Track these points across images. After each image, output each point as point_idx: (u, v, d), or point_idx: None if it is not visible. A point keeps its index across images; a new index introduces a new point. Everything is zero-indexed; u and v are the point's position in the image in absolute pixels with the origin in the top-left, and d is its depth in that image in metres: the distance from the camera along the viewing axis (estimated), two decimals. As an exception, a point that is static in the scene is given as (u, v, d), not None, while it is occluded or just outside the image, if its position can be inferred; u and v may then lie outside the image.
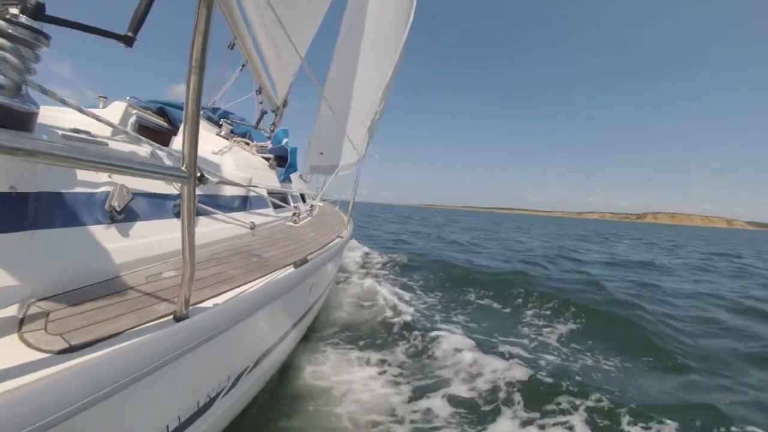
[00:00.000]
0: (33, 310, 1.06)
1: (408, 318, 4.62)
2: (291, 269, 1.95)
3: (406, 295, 6.05)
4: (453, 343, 3.89)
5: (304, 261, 2.11)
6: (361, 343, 3.91)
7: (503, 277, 7.68)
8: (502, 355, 3.73)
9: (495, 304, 6.00)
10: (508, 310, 5.81)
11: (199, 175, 0.97)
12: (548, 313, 5.57)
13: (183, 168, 0.95)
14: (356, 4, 6.37)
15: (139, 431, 1.17)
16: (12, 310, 1.02)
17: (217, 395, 1.64)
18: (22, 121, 1.08)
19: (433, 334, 4.11)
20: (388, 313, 4.84)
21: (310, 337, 3.74)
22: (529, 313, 5.62)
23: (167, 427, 1.30)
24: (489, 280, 7.31)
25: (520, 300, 6.19)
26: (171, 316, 1.14)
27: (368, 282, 6.45)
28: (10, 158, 1.05)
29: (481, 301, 6.14)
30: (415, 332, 4.20)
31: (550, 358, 3.92)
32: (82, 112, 1.48)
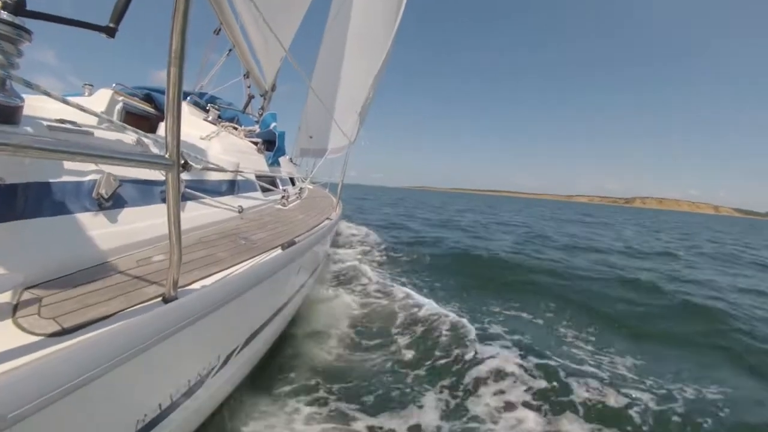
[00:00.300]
0: (26, 296, 1.09)
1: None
2: (278, 251, 2.00)
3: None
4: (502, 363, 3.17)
5: (292, 243, 2.15)
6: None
7: (530, 276, 6.61)
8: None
9: (526, 313, 4.71)
10: (546, 319, 4.58)
11: (183, 162, 1.00)
12: (602, 329, 4.33)
13: (167, 156, 0.97)
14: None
15: (131, 410, 1.21)
16: (6, 297, 1.06)
17: (208, 374, 1.66)
18: (7, 115, 1.11)
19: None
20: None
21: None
22: (580, 323, 4.45)
23: (159, 405, 1.33)
24: (512, 279, 6.33)
25: (553, 305, 5.06)
26: (160, 298, 1.18)
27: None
28: None
29: (508, 312, 4.75)
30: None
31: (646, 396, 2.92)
32: (67, 103, 1.49)
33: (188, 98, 3.91)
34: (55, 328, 0.96)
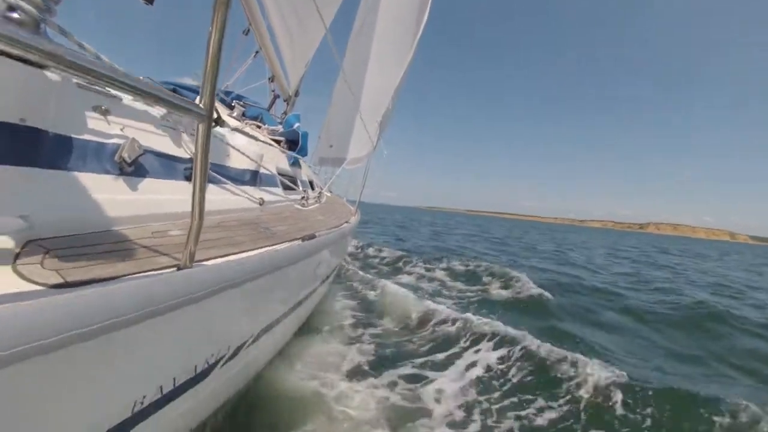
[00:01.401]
0: (31, 247, 1.04)
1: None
2: (298, 242, 1.95)
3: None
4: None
5: (312, 236, 2.11)
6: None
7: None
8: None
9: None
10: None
11: (216, 117, 0.95)
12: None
13: (201, 105, 0.95)
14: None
15: (130, 386, 1.14)
16: (8, 244, 1.00)
17: (216, 363, 1.59)
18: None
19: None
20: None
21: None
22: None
23: (161, 388, 1.26)
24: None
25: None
26: (174, 268, 1.12)
27: None
28: (24, 88, 1.06)
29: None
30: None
31: None
32: (99, 58, 1.39)
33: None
34: (58, 280, 0.90)
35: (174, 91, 3.42)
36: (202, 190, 1.03)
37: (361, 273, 6.90)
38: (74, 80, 1.35)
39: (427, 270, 8.22)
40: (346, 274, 6.92)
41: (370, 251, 10.05)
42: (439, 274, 7.94)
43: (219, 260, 1.34)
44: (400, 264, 8.74)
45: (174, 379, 1.32)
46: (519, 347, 3.71)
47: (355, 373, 3.15)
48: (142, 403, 1.19)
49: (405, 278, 7.39)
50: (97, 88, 1.50)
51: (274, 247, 1.74)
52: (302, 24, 4.22)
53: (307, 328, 3.63)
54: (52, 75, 1.17)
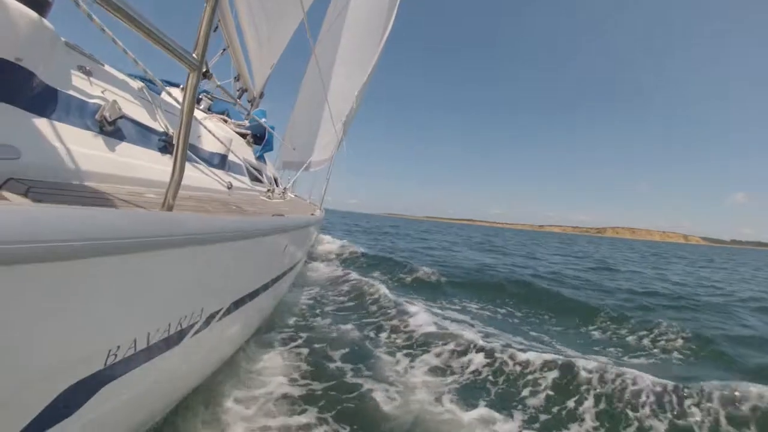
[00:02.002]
0: (12, 183, 1.04)
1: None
2: (269, 216, 2.01)
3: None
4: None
5: (281, 215, 2.19)
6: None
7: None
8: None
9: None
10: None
11: (205, 70, 1.05)
12: None
13: (194, 54, 1.01)
14: (339, 3, 6.60)
15: (105, 328, 1.08)
16: None
17: (189, 329, 1.55)
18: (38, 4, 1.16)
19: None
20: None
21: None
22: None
23: (135, 342, 1.21)
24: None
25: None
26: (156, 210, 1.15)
27: None
28: (25, 30, 1.10)
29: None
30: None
31: None
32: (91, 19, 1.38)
33: (180, 86, 3.96)
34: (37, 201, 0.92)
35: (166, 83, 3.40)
36: (185, 142, 1.07)
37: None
38: (62, 39, 1.41)
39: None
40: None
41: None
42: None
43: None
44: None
45: (148, 335, 1.27)
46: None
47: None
48: (115, 356, 1.14)
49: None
50: (83, 50, 1.56)
51: (246, 217, 1.78)
52: (271, 23, 4.33)
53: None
54: (49, 24, 1.23)
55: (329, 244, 11.71)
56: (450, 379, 3.03)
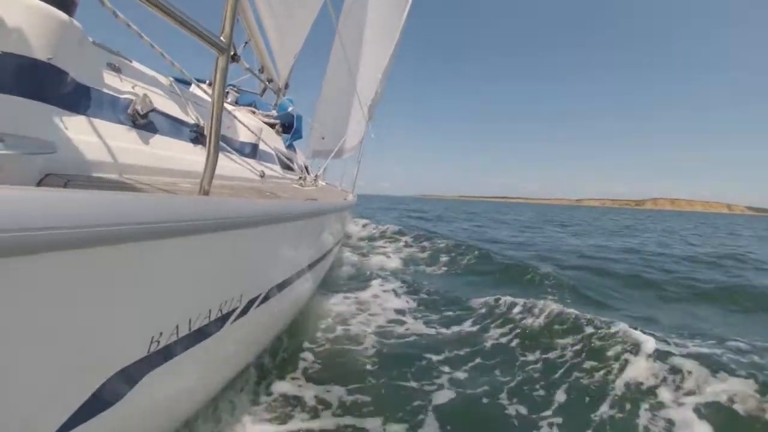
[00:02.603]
0: (51, 178, 1.10)
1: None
2: (303, 201, 2.05)
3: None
4: None
5: (315, 200, 2.20)
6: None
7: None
8: None
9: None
10: None
11: (233, 53, 1.04)
12: None
13: (222, 38, 1.02)
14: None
15: (148, 313, 1.08)
16: (31, 173, 1.04)
17: (229, 315, 1.57)
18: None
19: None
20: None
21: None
22: None
23: (177, 328, 1.21)
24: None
25: None
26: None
27: None
28: (54, 31, 1.14)
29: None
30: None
31: None
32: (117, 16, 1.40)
33: (207, 82, 4.05)
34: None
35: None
36: (218, 122, 1.09)
37: None
38: (90, 39, 1.44)
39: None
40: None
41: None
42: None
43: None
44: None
45: (190, 321, 1.28)
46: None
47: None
48: (158, 343, 1.15)
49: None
50: (110, 48, 1.61)
51: (281, 202, 1.80)
52: (290, 12, 4.30)
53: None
54: (78, 24, 1.26)
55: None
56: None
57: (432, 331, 3.47)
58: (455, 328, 3.60)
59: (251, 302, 1.79)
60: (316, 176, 4.52)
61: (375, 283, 4.93)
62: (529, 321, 3.63)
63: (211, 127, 1.10)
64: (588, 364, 2.84)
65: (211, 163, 1.14)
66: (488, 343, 3.27)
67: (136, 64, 1.76)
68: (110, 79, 1.52)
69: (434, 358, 2.91)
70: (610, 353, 2.93)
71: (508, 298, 4.17)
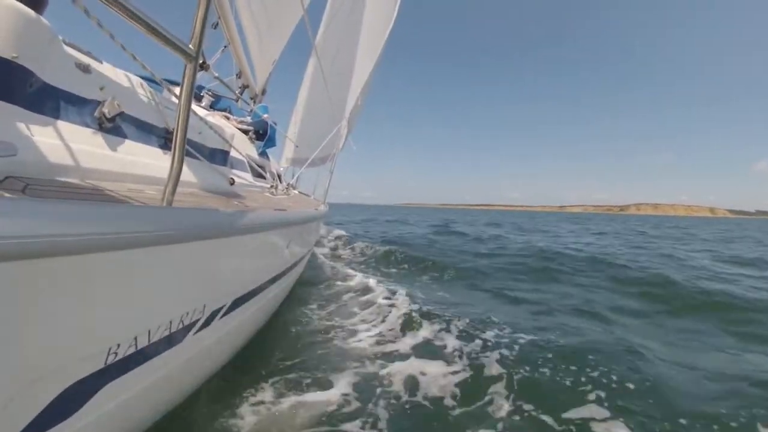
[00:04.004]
0: (10, 181, 1.03)
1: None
2: (272, 211, 1.98)
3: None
4: None
5: (284, 210, 2.17)
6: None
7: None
8: None
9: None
10: None
11: (202, 61, 1.03)
12: None
13: (190, 46, 0.98)
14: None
15: (105, 326, 1.05)
16: None
17: (191, 326, 1.53)
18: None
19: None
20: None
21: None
22: None
23: (135, 340, 1.18)
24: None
25: None
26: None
27: None
28: (22, 28, 1.09)
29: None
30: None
31: None
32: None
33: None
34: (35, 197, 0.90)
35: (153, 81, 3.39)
36: (183, 135, 1.06)
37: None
38: (60, 37, 1.39)
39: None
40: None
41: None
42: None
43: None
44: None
45: (149, 333, 1.24)
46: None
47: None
48: (116, 354, 1.12)
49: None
50: (80, 47, 1.53)
51: (247, 212, 1.74)
52: (270, 19, 4.29)
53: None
54: (46, 22, 1.21)
55: None
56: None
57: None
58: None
59: (214, 313, 1.76)
60: (288, 185, 4.47)
61: (346, 296, 4.87)
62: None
63: (176, 137, 1.07)
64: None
65: (175, 173, 1.11)
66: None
67: (106, 65, 1.69)
68: (78, 80, 1.45)
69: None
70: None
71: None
